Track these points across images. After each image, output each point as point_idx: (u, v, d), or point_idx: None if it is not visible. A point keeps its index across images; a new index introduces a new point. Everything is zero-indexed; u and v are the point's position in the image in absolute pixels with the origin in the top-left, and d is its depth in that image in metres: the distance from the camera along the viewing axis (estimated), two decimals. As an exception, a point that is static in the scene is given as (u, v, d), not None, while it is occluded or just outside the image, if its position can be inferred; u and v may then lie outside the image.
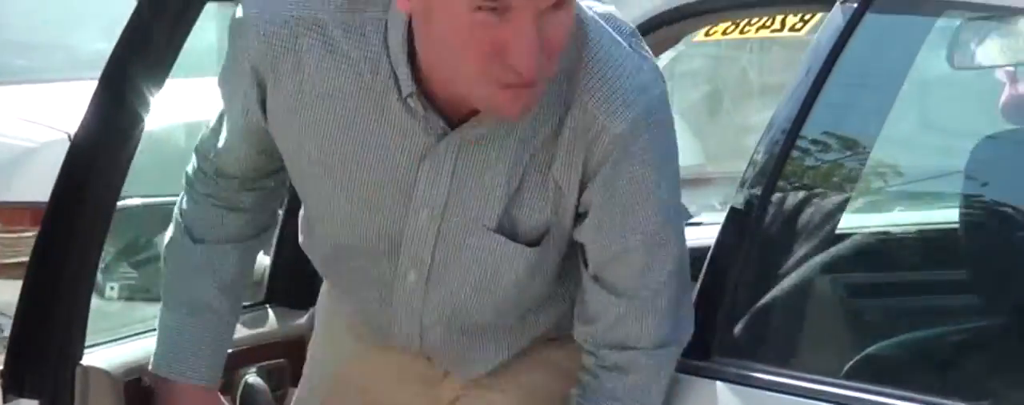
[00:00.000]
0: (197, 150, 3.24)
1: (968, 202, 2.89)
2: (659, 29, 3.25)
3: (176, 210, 3.26)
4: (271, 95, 2.95)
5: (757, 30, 3.25)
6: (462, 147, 2.92)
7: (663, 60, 3.40)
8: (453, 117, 2.89)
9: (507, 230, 2.96)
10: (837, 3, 2.84)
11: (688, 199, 3.24)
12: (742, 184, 2.93)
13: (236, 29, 2.99)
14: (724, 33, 3.28)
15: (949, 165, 3.19)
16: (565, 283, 3.11)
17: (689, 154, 4.91)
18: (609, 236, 2.92)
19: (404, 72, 2.82)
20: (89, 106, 3.22)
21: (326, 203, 3.05)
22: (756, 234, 2.94)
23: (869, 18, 2.81)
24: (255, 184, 3.22)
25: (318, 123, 2.93)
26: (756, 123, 4.16)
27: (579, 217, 2.96)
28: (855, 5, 2.83)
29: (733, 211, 2.97)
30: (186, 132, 6.04)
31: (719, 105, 5.05)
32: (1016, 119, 3.14)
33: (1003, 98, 3.17)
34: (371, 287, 3.15)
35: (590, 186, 2.89)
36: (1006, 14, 2.76)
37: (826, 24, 2.86)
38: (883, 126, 2.95)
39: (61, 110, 6.64)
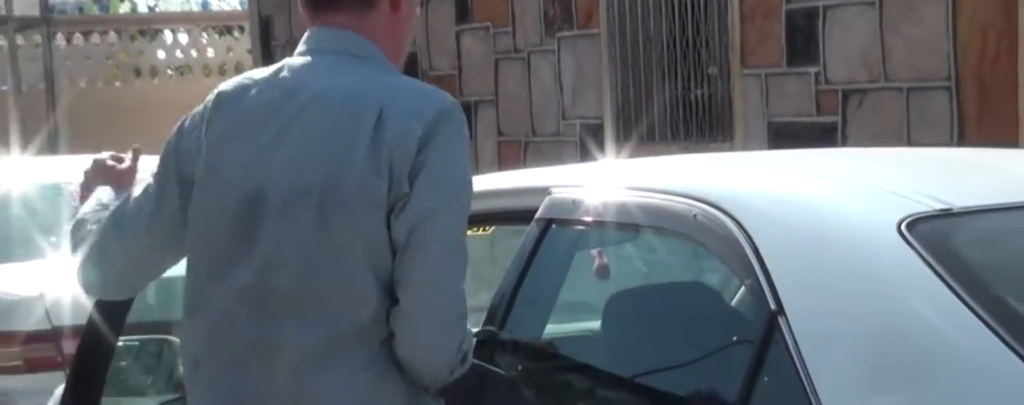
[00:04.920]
0: None
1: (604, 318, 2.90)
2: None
3: None
4: None
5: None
6: None
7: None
8: None
9: None
10: (533, 220, 2.84)
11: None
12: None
13: (458, 112, 2.27)
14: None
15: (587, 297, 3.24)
16: None
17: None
18: None
19: None
20: None
21: None
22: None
23: (551, 229, 2.83)
24: None
25: None
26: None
27: None
28: (544, 222, 2.82)
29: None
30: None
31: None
32: (602, 276, 3.19)
33: (594, 266, 3.25)
34: None
35: None
36: (598, 226, 2.81)
37: (528, 232, 2.86)
38: (563, 281, 2.98)
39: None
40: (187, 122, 2.35)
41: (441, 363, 2.22)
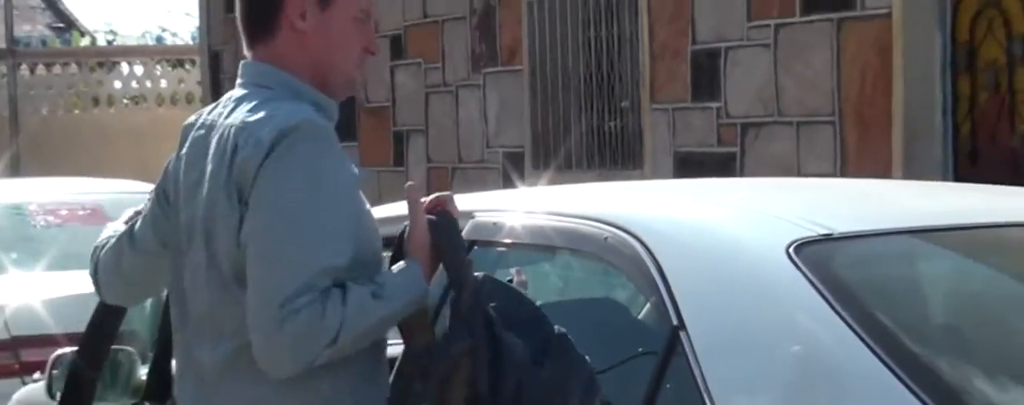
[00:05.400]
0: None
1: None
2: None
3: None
4: None
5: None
6: None
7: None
8: None
9: None
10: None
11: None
12: None
13: (323, 135, 2.17)
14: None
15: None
16: None
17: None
18: None
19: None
20: None
21: None
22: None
23: (474, 250, 2.75)
24: None
25: None
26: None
27: None
28: (468, 244, 2.72)
29: None
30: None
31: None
32: None
33: (514, 284, 3.17)
34: None
35: None
36: (518, 247, 2.78)
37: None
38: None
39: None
40: (173, 157, 2.37)
41: (284, 366, 2.14)
